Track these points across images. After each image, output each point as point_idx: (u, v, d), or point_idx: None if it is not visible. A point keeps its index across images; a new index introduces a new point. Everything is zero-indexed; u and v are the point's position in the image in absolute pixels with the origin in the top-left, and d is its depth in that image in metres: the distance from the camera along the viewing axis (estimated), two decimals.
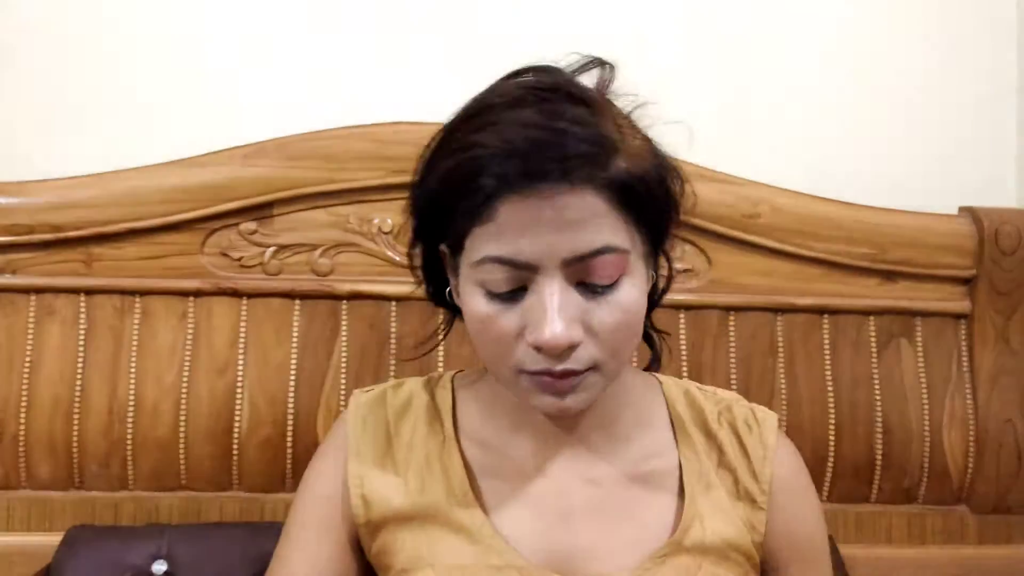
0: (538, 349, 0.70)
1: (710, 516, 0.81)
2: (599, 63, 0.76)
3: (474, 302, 0.72)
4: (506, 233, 0.68)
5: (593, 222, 0.68)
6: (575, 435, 0.82)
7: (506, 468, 0.82)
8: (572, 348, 0.70)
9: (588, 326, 0.70)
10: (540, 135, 0.66)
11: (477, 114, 0.72)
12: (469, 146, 0.69)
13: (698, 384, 0.91)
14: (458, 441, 0.84)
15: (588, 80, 0.77)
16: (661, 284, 0.83)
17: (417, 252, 0.81)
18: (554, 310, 0.68)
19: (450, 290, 0.80)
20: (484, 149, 0.67)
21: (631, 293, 0.71)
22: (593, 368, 0.72)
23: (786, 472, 0.85)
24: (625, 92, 0.78)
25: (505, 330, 0.71)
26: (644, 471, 0.83)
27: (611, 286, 0.70)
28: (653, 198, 0.72)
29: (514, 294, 0.70)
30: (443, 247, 0.77)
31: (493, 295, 0.71)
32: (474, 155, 0.68)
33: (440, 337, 0.88)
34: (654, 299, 0.82)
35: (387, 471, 0.83)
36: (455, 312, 0.83)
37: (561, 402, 0.73)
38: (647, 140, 0.75)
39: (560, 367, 0.70)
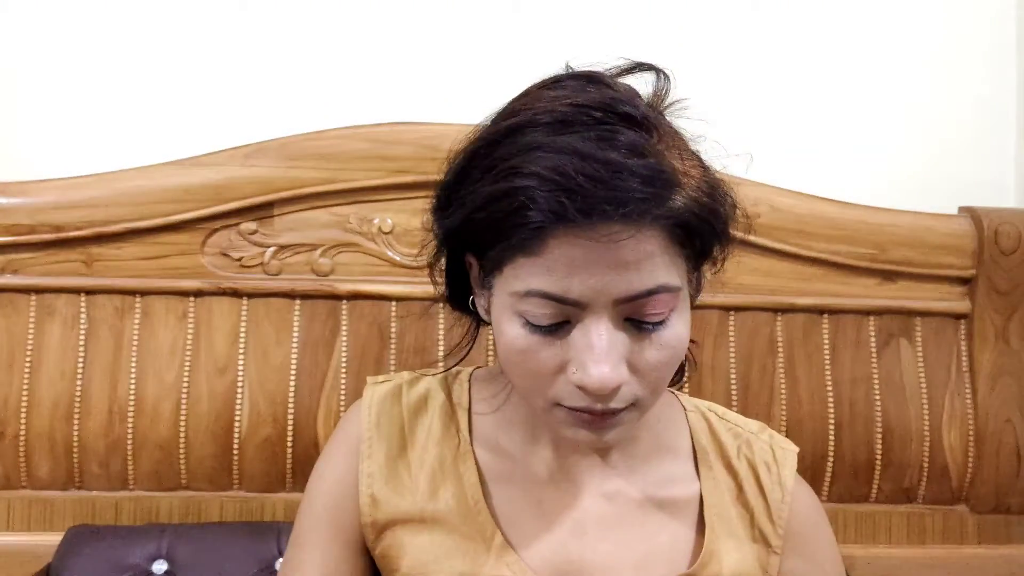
0: (581, 388, 0.67)
1: (728, 553, 0.80)
2: (648, 69, 0.73)
3: (512, 331, 0.68)
4: (556, 269, 0.64)
5: (648, 262, 0.64)
6: (595, 450, 0.81)
7: (520, 477, 0.81)
8: (616, 389, 0.68)
9: (633, 365, 0.68)
10: (595, 169, 0.62)
11: (519, 130, 0.66)
12: (514, 171, 0.64)
13: (719, 412, 0.88)
14: (473, 447, 0.81)
15: (634, 83, 0.73)
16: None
17: (438, 256, 0.77)
18: (603, 352, 0.65)
19: (473, 299, 0.77)
20: (532, 179, 0.62)
21: (678, 328, 0.69)
22: (632, 405, 0.70)
23: (802, 516, 0.84)
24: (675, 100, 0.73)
25: (545, 364, 0.68)
26: (662, 496, 0.81)
27: (660, 323, 0.67)
28: (708, 230, 0.69)
29: (556, 327, 0.67)
30: (471, 258, 0.74)
31: (534, 327, 0.67)
32: (521, 185, 0.63)
33: (466, 350, 0.83)
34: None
35: (399, 472, 0.81)
36: (478, 320, 0.80)
37: (598, 438, 0.71)
38: (701, 164, 0.71)
39: (602, 406, 0.68)
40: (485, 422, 0.83)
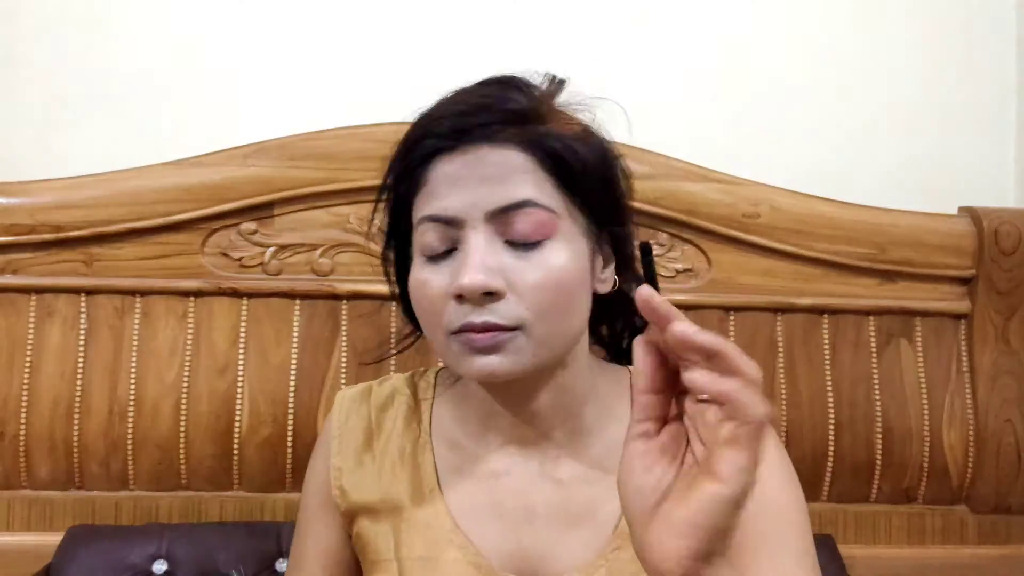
0: (460, 299, 0.71)
1: None
2: (552, 78, 0.80)
3: (415, 270, 0.75)
4: (437, 192, 0.72)
5: (516, 177, 0.70)
6: (538, 432, 0.82)
7: (474, 468, 0.83)
8: (493, 298, 0.71)
9: (511, 282, 0.71)
10: (470, 102, 0.72)
11: (424, 109, 0.77)
12: (415, 121, 0.76)
13: None
14: (432, 439, 0.85)
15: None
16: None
17: (391, 259, 0.83)
18: (476, 258, 0.70)
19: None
20: (425, 118, 0.74)
21: (558, 256, 0.72)
22: (519, 328, 0.72)
23: None
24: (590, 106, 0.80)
25: (436, 290, 0.73)
26: (606, 466, 0.81)
27: (536, 245, 0.71)
28: (587, 173, 0.73)
29: (447, 255, 0.73)
30: (411, 251, 0.79)
31: (429, 259, 0.74)
32: (416, 123, 0.75)
33: (392, 349, 0.88)
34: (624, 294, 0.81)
35: (364, 463, 0.86)
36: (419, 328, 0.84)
37: (487, 362, 0.72)
38: (587, 129, 0.76)
39: (480, 319, 0.71)
40: (444, 416, 0.86)
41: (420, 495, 0.83)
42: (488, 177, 0.71)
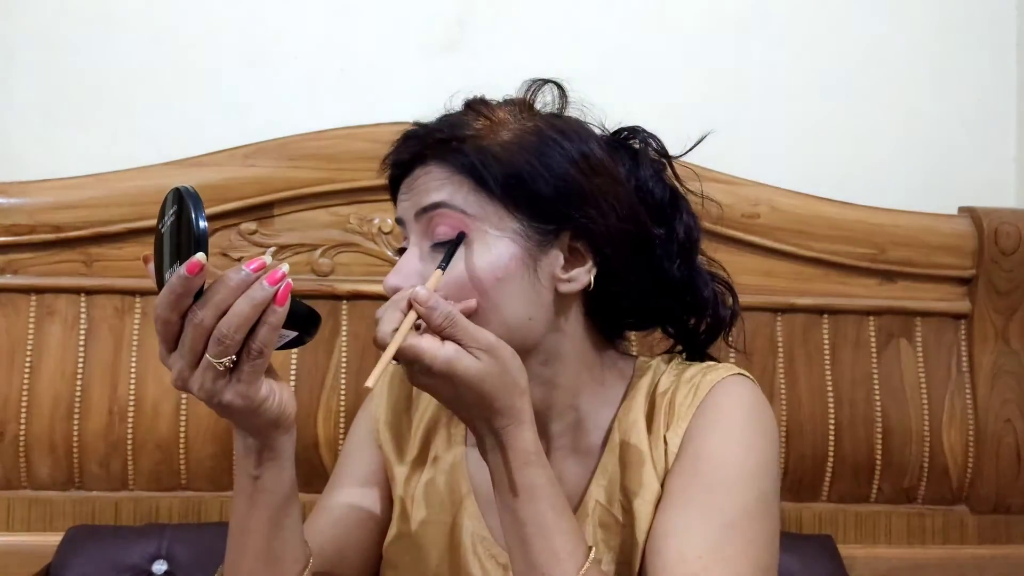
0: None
1: (629, 467, 0.82)
2: (545, 83, 0.86)
3: None
4: (397, 206, 0.83)
5: (435, 185, 0.78)
6: (538, 426, 0.79)
7: None
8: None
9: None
10: (410, 135, 0.82)
11: None
12: (386, 154, 0.84)
13: (686, 367, 0.86)
14: None
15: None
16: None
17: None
18: (400, 262, 0.78)
19: None
20: (389, 151, 0.83)
21: (472, 257, 0.76)
22: None
23: (709, 406, 0.80)
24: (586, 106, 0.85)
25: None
26: (595, 452, 0.84)
27: (449, 245, 0.76)
28: (519, 178, 0.77)
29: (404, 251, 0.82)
30: None
31: (400, 253, 0.82)
32: (384, 158, 0.84)
33: None
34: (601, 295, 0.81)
35: (401, 423, 0.92)
36: None
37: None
38: (529, 136, 0.79)
39: None
40: None
41: (449, 462, 0.88)
42: (419, 190, 0.79)
